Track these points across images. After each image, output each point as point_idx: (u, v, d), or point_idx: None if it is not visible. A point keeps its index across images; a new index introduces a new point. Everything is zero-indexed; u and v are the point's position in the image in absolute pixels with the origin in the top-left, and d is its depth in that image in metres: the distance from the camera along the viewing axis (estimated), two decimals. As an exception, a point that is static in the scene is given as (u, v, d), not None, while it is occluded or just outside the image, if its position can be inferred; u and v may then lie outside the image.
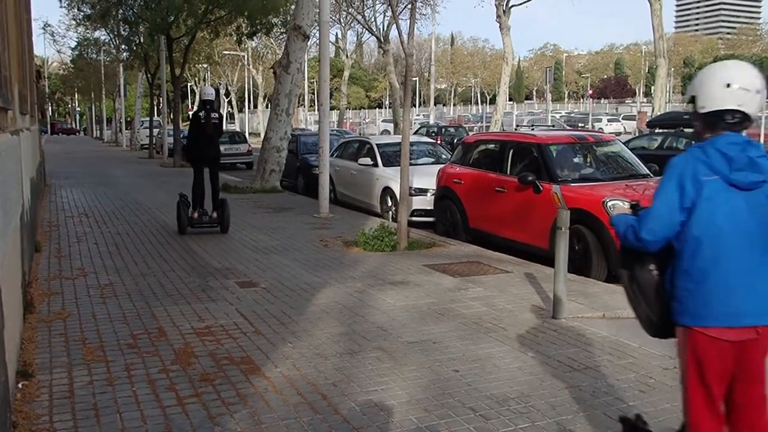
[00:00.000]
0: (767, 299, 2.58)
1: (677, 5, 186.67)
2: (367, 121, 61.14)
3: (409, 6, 21.25)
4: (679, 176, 2.63)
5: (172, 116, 28.19)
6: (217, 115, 10.31)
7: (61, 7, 29.82)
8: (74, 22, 32.78)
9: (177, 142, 23.92)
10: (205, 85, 28.71)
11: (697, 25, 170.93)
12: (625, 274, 2.91)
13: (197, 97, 72.77)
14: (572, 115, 51.43)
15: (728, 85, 2.58)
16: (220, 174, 10.73)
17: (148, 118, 36.93)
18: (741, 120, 2.61)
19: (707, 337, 2.60)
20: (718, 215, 2.57)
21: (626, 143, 14.12)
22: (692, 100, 2.72)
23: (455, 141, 24.74)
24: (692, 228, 2.60)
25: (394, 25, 12.38)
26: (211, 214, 10.31)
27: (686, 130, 17.60)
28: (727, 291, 2.56)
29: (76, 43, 40.96)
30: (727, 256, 2.56)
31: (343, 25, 45.76)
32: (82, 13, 30.21)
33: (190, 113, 15.30)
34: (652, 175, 9.06)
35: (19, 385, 4.27)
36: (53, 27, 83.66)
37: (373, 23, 38.30)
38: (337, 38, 56.39)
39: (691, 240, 2.61)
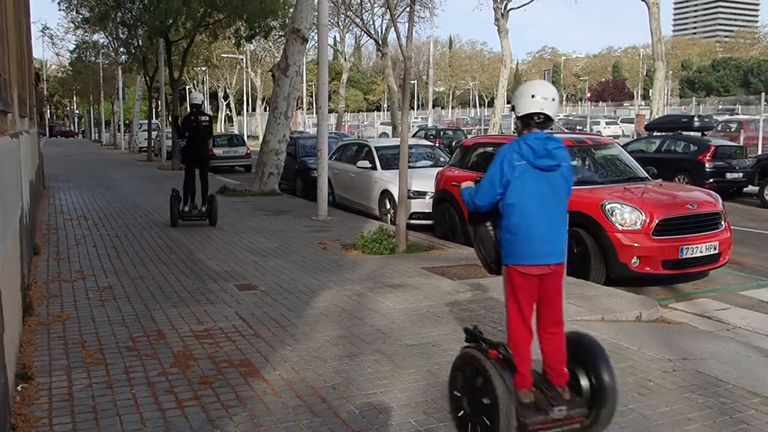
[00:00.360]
0: (558, 246, 3.71)
1: (675, 8, 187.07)
2: (365, 123, 61.16)
3: (408, 9, 21.30)
4: (501, 161, 3.66)
5: (170, 119, 28.19)
6: (206, 117, 11.25)
7: (59, 10, 29.71)
8: (73, 25, 32.80)
9: (176, 144, 23.93)
10: (194, 90, 29.13)
11: (695, 28, 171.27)
12: (471, 230, 3.98)
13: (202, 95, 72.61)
14: (570, 118, 51.46)
15: (533, 96, 3.63)
16: (213, 175, 11.48)
17: (146, 121, 36.96)
18: (544, 120, 3.65)
19: (519, 272, 3.63)
20: (525, 189, 3.60)
21: (624, 146, 14.14)
22: (513, 108, 3.76)
23: (453, 144, 24.76)
24: (508, 197, 3.63)
25: (393, 28, 12.41)
26: (201, 208, 11.23)
27: (684, 133, 17.66)
28: (530, 240, 3.59)
29: (74, 46, 41.08)
30: (531, 216, 3.59)
31: (341, 28, 45.81)
32: (80, 16, 30.25)
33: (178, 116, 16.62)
34: (650, 178, 9.08)
35: (19, 388, 4.27)
36: (52, 30, 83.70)
37: (372, 26, 38.41)
38: (335, 41, 56.44)
39: (507, 206, 3.64)
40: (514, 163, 3.62)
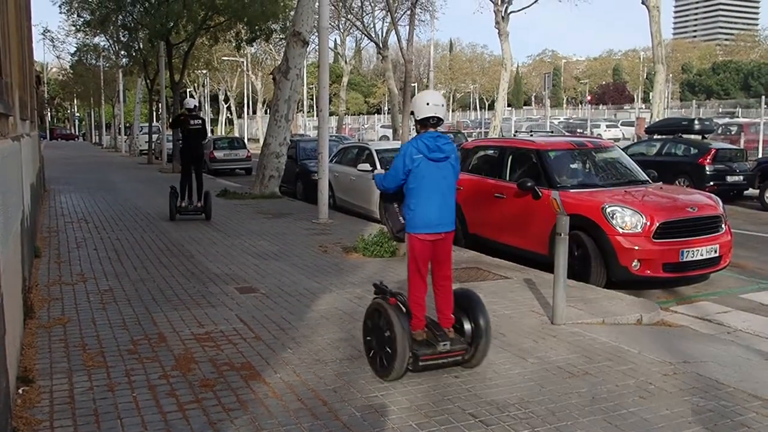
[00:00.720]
0: (448, 218, 4.75)
1: (675, 12, 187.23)
2: (366, 126, 61.16)
3: (408, 12, 21.33)
4: (404, 155, 4.67)
5: (170, 122, 28.22)
6: (199, 120, 12.38)
7: (60, 13, 29.92)
8: (74, 28, 32.83)
9: (176, 147, 23.97)
10: (194, 94, 29.46)
11: (695, 31, 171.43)
12: (382, 207, 5.06)
13: (196, 100, 72.61)
14: (571, 121, 51.47)
15: (428, 104, 4.68)
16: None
17: (147, 124, 36.97)
18: (437, 122, 4.72)
19: (418, 239, 4.66)
20: (422, 176, 4.63)
21: (625, 149, 14.18)
22: (412, 113, 4.78)
23: (454, 147, 24.75)
24: (409, 183, 4.67)
25: (393, 31, 12.42)
26: (197, 203, 12.32)
27: (685, 136, 17.67)
28: (426, 215, 4.64)
29: (75, 49, 41.05)
30: (426, 196, 4.64)
31: (342, 31, 45.83)
32: (81, 19, 30.29)
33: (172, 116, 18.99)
34: (651, 181, 9.08)
35: (20, 391, 4.28)
36: (53, 33, 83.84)
37: (372, 29, 38.43)
38: (335, 44, 56.53)
39: (409, 189, 4.68)
40: (413, 156, 4.65)
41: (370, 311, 4.81)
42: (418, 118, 4.72)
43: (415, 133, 4.79)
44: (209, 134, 49.48)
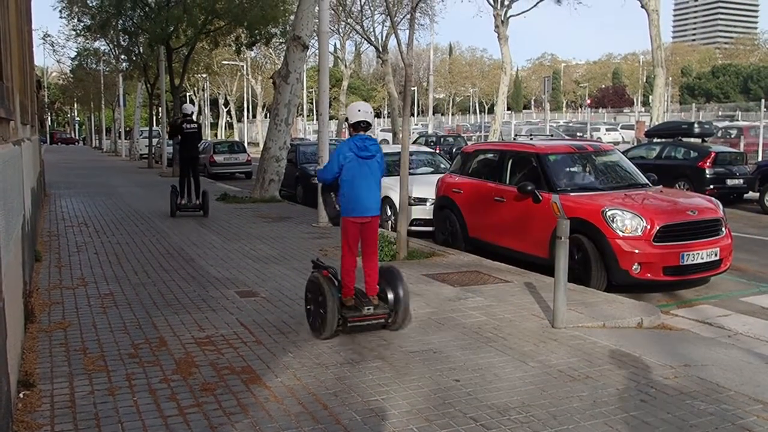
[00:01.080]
0: (374, 205, 5.68)
1: (675, 15, 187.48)
2: (365, 130, 61.02)
3: (408, 16, 21.36)
4: (338, 153, 5.64)
5: (168, 128, 28.26)
6: (195, 125, 13.49)
7: (61, 17, 30.06)
8: (74, 33, 32.85)
9: (176, 151, 23.99)
10: (194, 99, 29.76)
11: (694, 34, 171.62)
12: (321, 196, 6.37)
13: (195, 106, 72.73)
14: (570, 124, 51.50)
15: (359, 111, 5.69)
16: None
17: (147, 128, 37.00)
18: (366, 126, 5.68)
19: (350, 221, 5.63)
20: (352, 171, 5.57)
21: (625, 153, 14.17)
22: (346, 119, 5.79)
23: (454, 150, 24.79)
24: (342, 176, 5.60)
25: (393, 35, 12.44)
26: (196, 201, 13.38)
27: (684, 139, 17.69)
28: (356, 202, 5.58)
29: (75, 53, 41.07)
30: (357, 187, 5.57)
31: (341, 35, 45.86)
32: (82, 24, 30.32)
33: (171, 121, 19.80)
34: (651, 184, 9.09)
35: (21, 395, 4.28)
36: (53, 37, 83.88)
37: (372, 33, 38.46)
38: (335, 48, 56.52)
39: (342, 181, 5.61)
40: (345, 154, 5.61)
41: (308, 283, 5.80)
42: (351, 123, 5.72)
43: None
44: (209, 138, 49.67)
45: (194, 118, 13.99)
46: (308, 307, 5.78)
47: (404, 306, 5.71)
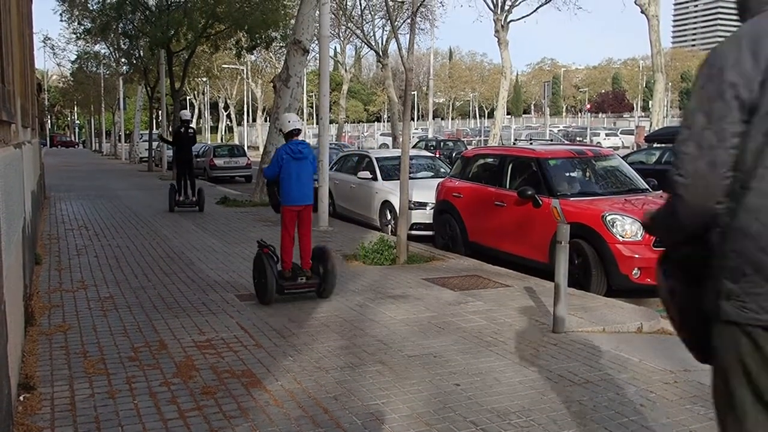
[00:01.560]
0: (307, 195, 6.92)
1: (674, 20, 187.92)
2: (365, 134, 61.24)
3: (408, 21, 21.38)
4: (277, 155, 6.85)
5: (171, 129, 28.30)
6: (192, 129, 15.34)
7: (61, 21, 30.06)
8: (74, 36, 32.89)
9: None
10: (195, 103, 30.21)
11: (694, 40, 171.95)
12: (267, 189, 7.59)
13: (196, 110, 72.87)
14: (570, 129, 51.58)
15: (290, 121, 7.01)
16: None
17: (147, 131, 37.02)
18: (297, 133, 6.96)
19: (287, 209, 6.88)
20: (289, 170, 6.77)
21: (625, 158, 14.17)
22: (280, 130, 7.26)
23: (453, 155, 24.81)
24: (281, 174, 6.80)
25: (393, 40, 12.48)
26: (192, 198, 14.91)
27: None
28: (291, 193, 6.81)
29: (76, 57, 41.07)
30: (291, 183, 6.77)
31: (342, 39, 45.97)
32: (82, 27, 30.34)
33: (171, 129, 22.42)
34: (650, 189, 9.10)
35: (21, 398, 4.28)
36: (53, 40, 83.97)
37: (372, 38, 38.56)
38: (335, 52, 56.71)
39: (281, 178, 6.82)
40: (283, 156, 6.85)
41: (254, 259, 7.02)
42: (284, 132, 7.06)
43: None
44: (209, 141, 49.67)
45: (189, 119, 16.04)
46: (254, 279, 6.98)
47: (332, 277, 7.01)
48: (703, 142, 1.96)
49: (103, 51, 37.95)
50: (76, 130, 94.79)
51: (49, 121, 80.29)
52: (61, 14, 30.63)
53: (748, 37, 1.91)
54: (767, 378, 1.92)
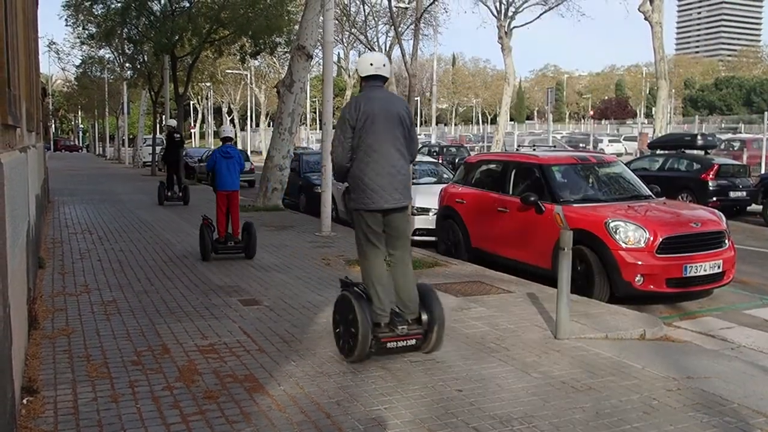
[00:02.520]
0: (235, 183, 9.78)
1: (678, 27, 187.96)
2: (368, 140, 61.05)
3: (412, 27, 21.41)
4: (214, 155, 9.85)
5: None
6: (178, 135, 18.74)
7: (66, 26, 30.32)
8: (79, 41, 33.01)
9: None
10: (171, 118, 31.33)
11: (697, 46, 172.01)
12: (209, 178, 11.24)
13: (199, 114, 73.01)
14: (574, 135, 51.54)
15: (224, 130, 10.45)
16: (182, 174, 18.84)
17: (150, 136, 37.09)
18: (229, 140, 10.04)
19: (219, 192, 9.67)
20: (220, 165, 9.69)
21: (628, 164, 14.20)
22: (220, 137, 10.39)
23: (456, 161, 24.80)
24: (216, 167, 9.71)
25: (397, 45, 12.51)
26: (178, 193, 17.44)
27: (687, 151, 17.70)
28: (223, 181, 9.64)
29: (80, 61, 41.14)
30: (223, 174, 9.66)
31: (345, 45, 46.06)
32: (87, 32, 30.45)
33: (163, 135, 25.00)
34: (654, 196, 9.10)
35: (24, 401, 4.28)
36: (58, 45, 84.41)
37: (376, 43, 38.60)
38: (339, 58, 56.71)
39: (215, 170, 9.73)
40: (216, 155, 9.63)
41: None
42: (221, 138, 10.05)
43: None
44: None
45: (176, 127, 19.64)
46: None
47: (252, 241, 9.53)
48: (340, 142, 5.17)
49: (107, 56, 38.07)
50: (80, 134, 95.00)
51: (53, 126, 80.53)
52: (66, 19, 30.78)
53: (356, 101, 5.14)
54: (370, 229, 5.20)
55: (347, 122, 5.07)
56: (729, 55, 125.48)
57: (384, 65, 5.31)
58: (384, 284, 5.21)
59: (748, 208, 16.67)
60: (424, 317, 5.22)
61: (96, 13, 28.21)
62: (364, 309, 5.01)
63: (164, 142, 19.02)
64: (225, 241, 9.52)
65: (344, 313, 5.22)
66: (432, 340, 5.21)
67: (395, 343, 5.12)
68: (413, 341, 5.18)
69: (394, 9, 21.68)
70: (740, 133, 42.41)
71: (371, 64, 5.28)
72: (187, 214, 15.09)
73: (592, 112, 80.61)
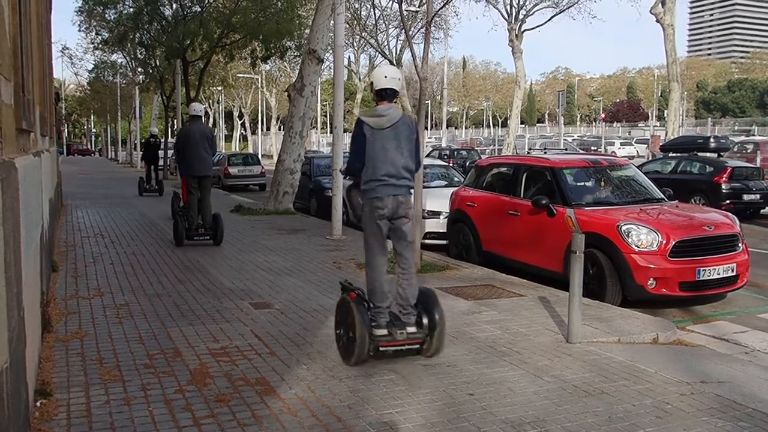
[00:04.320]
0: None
1: (690, 29, 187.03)
2: (379, 143, 61.17)
3: (423, 30, 21.39)
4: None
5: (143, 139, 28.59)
6: (154, 139, 23.08)
7: (79, 31, 30.42)
8: (92, 46, 33.24)
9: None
10: (153, 126, 33.06)
11: (710, 49, 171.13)
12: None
13: (210, 119, 73.46)
14: (585, 138, 51.41)
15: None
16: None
17: (162, 140, 37.25)
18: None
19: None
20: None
21: (640, 167, 14.12)
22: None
23: (467, 164, 24.80)
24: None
25: (407, 49, 12.53)
26: (155, 186, 21.44)
27: (700, 154, 17.60)
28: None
29: (93, 66, 41.54)
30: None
31: (356, 48, 46.16)
32: (99, 37, 30.68)
33: (144, 139, 28.67)
34: (666, 199, 9.05)
35: (38, 404, 4.31)
36: (71, 50, 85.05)
37: (386, 47, 38.62)
38: (349, 61, 56.87)
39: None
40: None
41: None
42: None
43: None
44: (223, 150, 49.98)
45: (156, 134, 24.24)
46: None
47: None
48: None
49: (119, 60, 38.41)
50: (93, 138, 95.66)
51: (66, 130, 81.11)
52: (79, 25, 31.04)
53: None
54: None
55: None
56: (742, 57, 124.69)
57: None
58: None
59: (762, 211, 16.57)
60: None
61: (108, 18, 28.44)
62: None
63: (144, 145, 23.82)
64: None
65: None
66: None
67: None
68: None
69: (405, 13, 21.69)
70: (753, 135, 42.12)
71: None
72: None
73: (603, 115, 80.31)
